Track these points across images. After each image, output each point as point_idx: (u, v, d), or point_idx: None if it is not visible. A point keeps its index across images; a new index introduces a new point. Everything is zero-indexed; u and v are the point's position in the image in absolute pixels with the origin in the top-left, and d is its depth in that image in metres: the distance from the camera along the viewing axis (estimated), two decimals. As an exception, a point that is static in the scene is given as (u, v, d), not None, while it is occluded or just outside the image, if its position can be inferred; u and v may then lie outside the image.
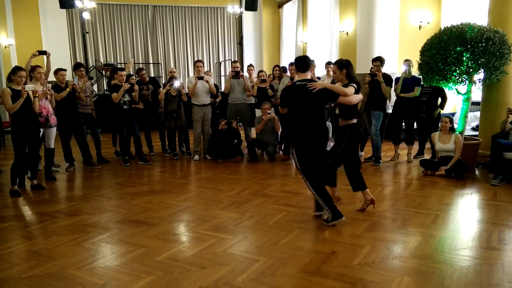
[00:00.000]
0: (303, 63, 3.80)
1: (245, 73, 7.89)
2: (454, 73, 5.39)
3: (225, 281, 2.72)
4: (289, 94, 3.81)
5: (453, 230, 3.66)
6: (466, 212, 4.26)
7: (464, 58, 5.28)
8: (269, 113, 6.51)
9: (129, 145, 6.82)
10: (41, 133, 5.29)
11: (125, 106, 6.37)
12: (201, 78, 6.56)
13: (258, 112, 6.99)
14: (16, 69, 4.86)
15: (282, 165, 6.44)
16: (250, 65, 7.90)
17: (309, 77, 3.81)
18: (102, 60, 13.35)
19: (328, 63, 7.53)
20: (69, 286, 2.70)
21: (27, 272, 2.89)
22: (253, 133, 7.05)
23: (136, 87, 6.45)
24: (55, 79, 6.03)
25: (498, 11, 5.69)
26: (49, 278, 2.80)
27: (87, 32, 12.98)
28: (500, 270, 2.84)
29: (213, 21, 14.47)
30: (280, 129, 6.94)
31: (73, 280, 2.77)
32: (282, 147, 7.01)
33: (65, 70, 6.06)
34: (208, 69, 13.14)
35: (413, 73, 6.32)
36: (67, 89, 5.85)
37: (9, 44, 11.49)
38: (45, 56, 5.90)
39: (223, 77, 14.22)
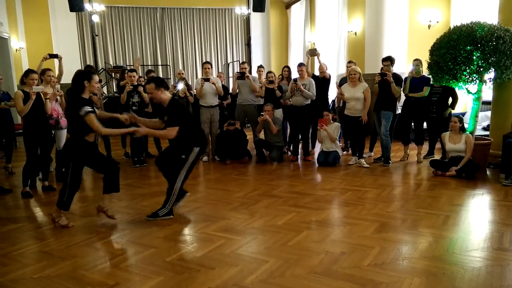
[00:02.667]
0: (162, 81, 4.13)
1: (255, 74, 7.91)
2: (464, 73, 5.33)
3: (234, 282, 2.73)
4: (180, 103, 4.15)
5: (464, 231, 3.63)
6: (477, 212, 4.22)
7: (474, 57, 5.22)
8: (262, 115, 6.49)
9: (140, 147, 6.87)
10: (52, 135, 5.36)
11: (133, 107, 6.40)
12: (207, 80, 6.60)
13: None
14: (29, 72, 4.94)
15: (290, 166, 6.43)
16: (260, 66, 7.93)
17: None
18: (111, 63, 13.45)
19: (349, 62, 7.35)
20: (80, 287, 2.72)
21: (39, 273, 2.93)
22: (262, 134, 7.05)
23: (141, 88, 6.43)
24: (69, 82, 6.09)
25: (509, 9, 5.62)
26: (60, 279, 2.83)
27: (96, 35, 13.10)
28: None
29: (221, 22, 14.51)
30: (289, 131, 6.92)
31: (84, 281, 2.79)
32: (291, 148, 6.99)
33: None
34: (220, 71, 13.18)
35: (422, 73, 6.27)
36: None
37: (20, 47, 11.65)
38: (56, 60, 5.97)
39: (231, 78, 14.25)
